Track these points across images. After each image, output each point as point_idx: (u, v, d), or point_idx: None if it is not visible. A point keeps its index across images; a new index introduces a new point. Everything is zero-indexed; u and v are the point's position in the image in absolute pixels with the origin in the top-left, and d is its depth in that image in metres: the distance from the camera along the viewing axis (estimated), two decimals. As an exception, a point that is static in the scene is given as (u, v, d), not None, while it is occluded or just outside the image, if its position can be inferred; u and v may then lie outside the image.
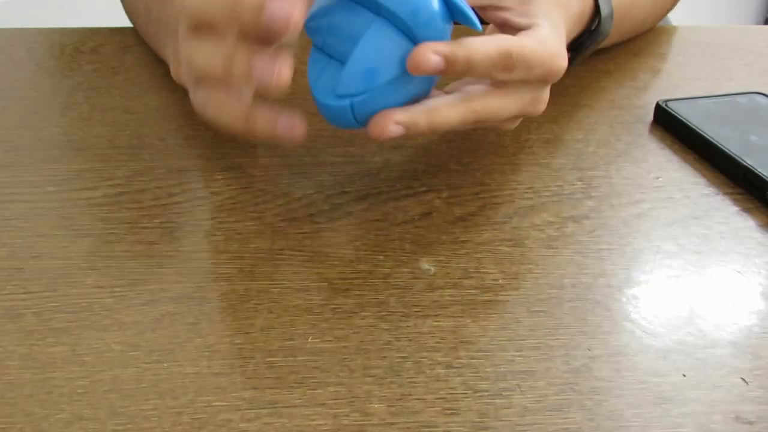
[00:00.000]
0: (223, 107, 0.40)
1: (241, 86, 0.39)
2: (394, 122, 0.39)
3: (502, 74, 0.41)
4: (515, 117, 0.46)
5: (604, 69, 0.60)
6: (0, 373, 0.33)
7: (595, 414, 0.32)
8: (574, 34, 0.51)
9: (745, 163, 0.46)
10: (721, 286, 0.39)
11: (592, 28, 0.52)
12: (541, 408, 0.32)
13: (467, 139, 0.50)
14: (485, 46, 0.40)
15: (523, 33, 0.44)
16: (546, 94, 0.45)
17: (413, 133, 0.40)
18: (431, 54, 0.38)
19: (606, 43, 0.59)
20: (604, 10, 0.52)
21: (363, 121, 0.40)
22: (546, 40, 0.43)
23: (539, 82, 0.43)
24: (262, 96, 0.39)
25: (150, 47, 0.61)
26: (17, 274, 0.38)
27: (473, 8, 0.47)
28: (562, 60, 0.43)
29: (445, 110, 0.41)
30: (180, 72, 0.44)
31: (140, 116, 0.53)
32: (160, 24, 0.55)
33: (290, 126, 0.40)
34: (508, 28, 0.46)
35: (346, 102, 0.40)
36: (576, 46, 0.53)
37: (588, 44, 0.53)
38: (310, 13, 0.41)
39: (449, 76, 0.41)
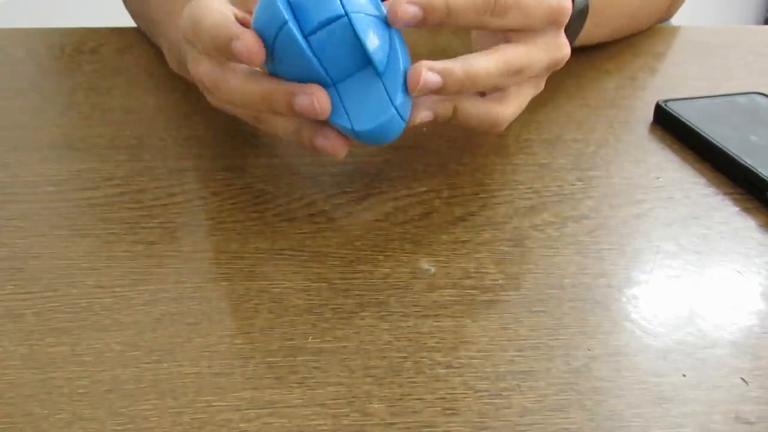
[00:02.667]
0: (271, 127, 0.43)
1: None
2: (428, 69, 0.39)
3: (495, 20, 0.41)
4: (546, 69, 0.45)
5: (604, 69, 0.60)
6: (0, 373, 0.33)
7: (595, 414, 0.32)
8: None
9: (745, 163, 0.46)
10: (721, 286, 0.39)
11: None
12: (541, 408, 0.32)
13: (467, 139, 0.50)
14: None
15: None
16: (563, 37, 0.45)
17: (450, 82, 0.39)
18: (406, 5, 0.39)
19: (601, 33, 0.58)
20: None
21: (405, 114, 0.40)
22: None
23: (549, 24, 0.43)
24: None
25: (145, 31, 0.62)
26: (17, 274, 0.38)
27: None
28: None
29: (479, 59, 0.40)
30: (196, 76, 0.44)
31: (140, 116, 0.53)
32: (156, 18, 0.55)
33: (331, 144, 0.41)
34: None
35: (392, 110, 0.39)
36: None
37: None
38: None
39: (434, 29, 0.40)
